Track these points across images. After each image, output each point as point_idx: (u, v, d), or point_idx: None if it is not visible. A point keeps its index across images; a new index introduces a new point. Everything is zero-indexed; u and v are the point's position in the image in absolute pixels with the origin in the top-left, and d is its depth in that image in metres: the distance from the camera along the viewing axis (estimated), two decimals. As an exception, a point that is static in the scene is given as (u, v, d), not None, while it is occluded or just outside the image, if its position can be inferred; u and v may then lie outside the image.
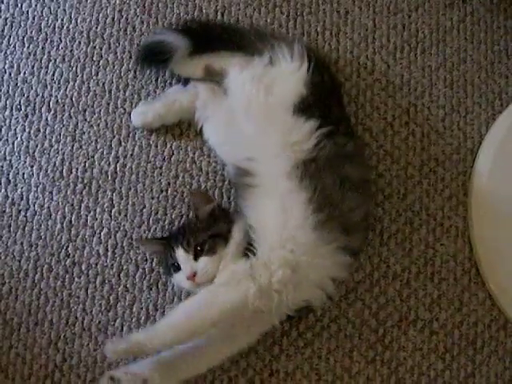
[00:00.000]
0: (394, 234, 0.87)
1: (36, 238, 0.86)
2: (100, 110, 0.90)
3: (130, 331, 0.82)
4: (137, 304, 0.84)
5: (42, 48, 0.92)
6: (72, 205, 0.87)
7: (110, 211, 0.87)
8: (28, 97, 0.91)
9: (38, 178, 0.88)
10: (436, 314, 0.85)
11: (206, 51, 0.86)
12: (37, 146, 0.89)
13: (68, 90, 0.91)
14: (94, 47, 0.92)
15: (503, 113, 0.91)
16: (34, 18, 0.94)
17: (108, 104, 0.90)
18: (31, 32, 0.93)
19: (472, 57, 0.94)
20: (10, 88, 0.91)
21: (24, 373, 0.82)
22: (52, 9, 0.94)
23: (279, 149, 0.76)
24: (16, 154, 0.89)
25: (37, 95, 0.91)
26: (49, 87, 0.91)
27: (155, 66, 0.89)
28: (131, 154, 0.88)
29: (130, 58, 0.92)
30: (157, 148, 0.89)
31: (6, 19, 0.94)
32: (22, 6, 0.94)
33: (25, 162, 0.88)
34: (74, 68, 0.91)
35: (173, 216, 0.86)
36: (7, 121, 0.90)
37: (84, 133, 0.89)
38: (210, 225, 0.76)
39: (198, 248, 0.74)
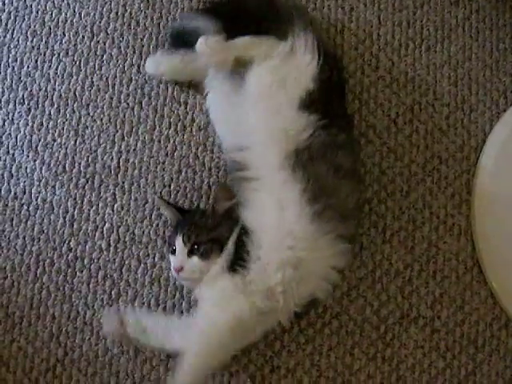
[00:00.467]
0: (396, 231, 0.87)
1: (38, 232, 0.86)
2: (103, 105, 0.90)
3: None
4: (138, 299, 0.84)
5: (46, 42, 0.92)
6: (75, 199, 0.87)
7: (113, 206, 0.87)
8: (31, 91, 0.91)
9: (41, 172, 0.88)
10: (438, 311, 0.85)
11: (236, 35, 0.82)
12: (40, 140, 0.89)
13: (71, 84, 0.91)
14: (98, 41, 0.92)
15: (508, 111, 0.91)
16: (37, 12, 0.94)
17: (111, 99, 0.90)
18: (35, 26, 0.93)
19: (477, 55, 0.93)
20: (14, 82, 0.91)
21: (26, 366, 0.82)
22: (56, 3, 0.94)
23: (275, 139, 0.75)
24: (19, 147, 0.89)
25: (40, 89, 0.91)
26: (52, 81, 0.91)
27: (186, 49, 0.85)
28: (134, 149, 0.89)
29: (134, 52, 0.92)
30: (160, 143, 0.89)
31: (9, 13, 0.94)
32: None
33: (28, 156, 0.89)
34: (78, 62, 0.92)
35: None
36: (10, 115, 0.90)
37: (87, 127, 0.90)
38: (217, 225, 0.77)
39: (195, 246, 0.75)
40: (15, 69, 0.92)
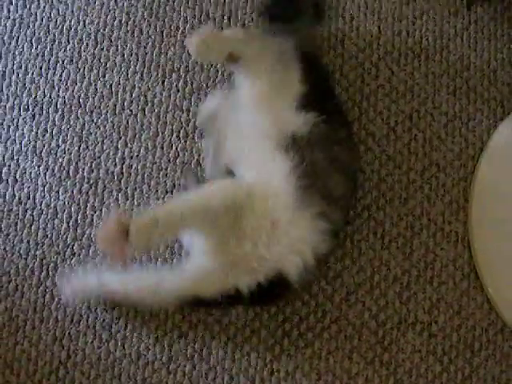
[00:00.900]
0: (395, 237, 0.88)
1: (42, 237, 0.87)
2: (107, 112, 0.91)
3: (134, 329, 0.84)
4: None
5: (50, 49, 0.93)
6: (78, 204, 0.88)
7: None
8: (36, 97, 0.92)
9: (45, 178, 0.89)
10: (435, 317, 0.85)
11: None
12: (44, 146, 0.90)
13: (75, 91, 0.92)
14: (102, 49, 0.93)
15: (505, 120, 0.92)
16: (42, 20, 0.94)
17: (115, 105, 0.91)
18: (39, 33, 0.94)
19: (475, 64, 0.94)
20: (18, 88, 0.92)
21: (29, 369, 0.83)
22: (60, 10, 0.95)
23: (269, 135, 0.76)
24: (23, 153, 0.90)
25: (44, 96, 0.92)
26: (56, 88, 0.92)
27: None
28: (137, 155, 0.90)
29: (137, 60, 0.93)
30: (162, 150, 0.90)
31: (14, 20, 0.94)
32: (30, 7, 0.95)
33: (32, 161, 0.90)
34: (82, 69, 0.92)
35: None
36: (15, 121, 0.91)
37: (91, 133, 0.90)
38: None
39: None
40: (20, 75, 0.92)
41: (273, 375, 0.83)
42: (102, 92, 0.92)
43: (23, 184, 0.89)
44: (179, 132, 0.90)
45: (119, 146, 0.90)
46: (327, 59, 0.93)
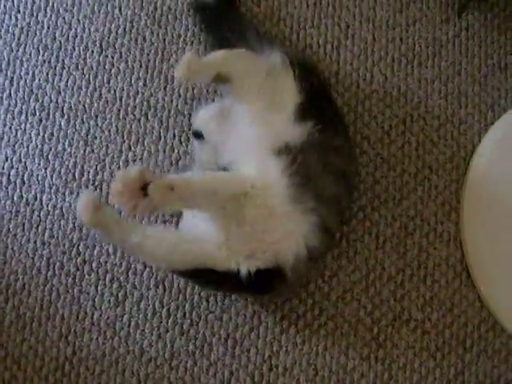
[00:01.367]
0: (389, 237, 0.89)
1: (49, 237, 0.89)
2: (111, 116, 0.92)
3: (137, 327, 0.85)
4: (144, 301, 0.86)
5: (57, 56, 0.95)
6: (83, 206, 0.90)
7: (120, 213, 0.89)
8: (42, 102, 0.93)
9: (52, 180, 0.91)
10: (428, 314, 0.87)
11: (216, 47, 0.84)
12: (50, 150, 0.91)
13: (81, 96, 0.93)
14: (106, 56, 0.94)
15: (495, 124, 0.93)
16: (48, 28, 0.96)
17: (119, 110, 0.93)
18: (46, 40, 0.95)
19: (466, 70, 0.96)
20: (26, 94, 0.93)
21: (36, 365, 0.84)
22: (66, 19, 0.96)
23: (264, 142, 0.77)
24: (31, 156, 0.91)
25: (51, 101, 0.93)
26: (62, 94, 0.93)
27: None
28: (140, 159, 0.91)
29: (141, 66, 0.94)
30: (165, 153, 0.91)
31: (22, 28, 0.96)
32: (37, 15, 0.96)
33: (39, 164, 0.91)
34: (87, 76, 0.94)
35: (179, 218, 0.89)
36: (22, 125, 0.92)
37: (96, 137, 0.92)
38: None
39: None
40: (27, 81, 0.94)
41: (271, 371, 0.84)
42: (106, 97, 0.93)
43: (30, 186, 0.90)
44: (181, 136, 0.92)
45: (123, 150, 0.91)
46: (323, 66, 0.95)
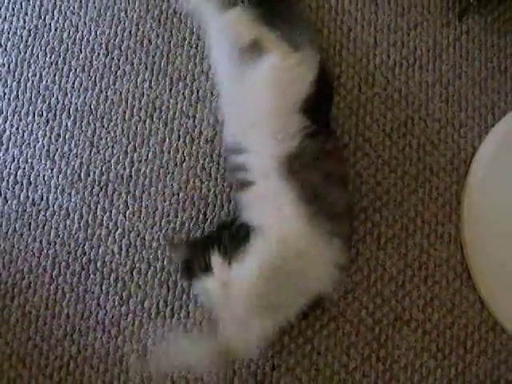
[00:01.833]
0: (390, 238, 0.90)
1: (54, 237, 0.89)
2: (117, 118, 0.93)
3: (142, 326, 0.86)
4: (148, 300, 0.87)
5: (64, 58, 0.95)
6: (89, 206, 0.90)
7: (125, 212, 0.90)
8: (49, 104, 0.94)
9: (58, 180, 0.91)
10: (429, 314, 0.87)
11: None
12: (57, 150, 0.92)
13: (87, 98, 0.94)
14: (112, 58, 0.95)
15: (495, 126, 0.94)
16: (56, 30, 0.97)
17: (124, 112, 0.93)
18: (53, 43, 0.96)
19: (467, 73, 0.96)
20: (33, 95, 0.94)
21: (41, 363, 0.85)
22: (73, 21, 0.97)
23: (267, 142, 0.76)
24: (37, 157, 0.92)
25: (58, 102, 0.94)
26: (69, 95, 0.94)
27: None
28: (145, 160, 0.92)
29: (146, 68, 0.95)
30: (169, 154, 0.92)
31: (29, 30, 0.97)
32: (45, 18, 0.97)
33: (45, 164, 0.92)
34: (93, 77, 0.95)
35: (183, 218, 0.90)
36: (29, 126, 0.93)
37: (101, 139, 0.93)
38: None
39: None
40: (35, 83, 0.94)
41: (274, 370, 0.85)
42: (112, 99, 0.94)
43: (37, 186, 0.91)
44: (185, 137, 0.92)
45: (128, 151, 0.92)
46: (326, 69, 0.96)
